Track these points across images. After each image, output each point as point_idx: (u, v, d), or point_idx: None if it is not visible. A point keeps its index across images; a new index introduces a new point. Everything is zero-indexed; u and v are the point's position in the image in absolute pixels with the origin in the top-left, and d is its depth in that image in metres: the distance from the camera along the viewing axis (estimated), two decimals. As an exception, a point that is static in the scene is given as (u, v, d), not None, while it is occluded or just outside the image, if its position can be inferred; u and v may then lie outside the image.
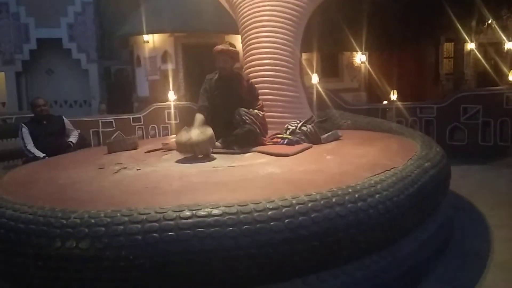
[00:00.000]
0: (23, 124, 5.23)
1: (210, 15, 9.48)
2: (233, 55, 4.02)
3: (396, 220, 2.47)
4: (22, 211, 2.26)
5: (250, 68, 4.99)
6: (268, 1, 5.05)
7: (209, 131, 3.57)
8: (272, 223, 2.07)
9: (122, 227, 2.03)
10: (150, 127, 7.42)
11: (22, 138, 5.12)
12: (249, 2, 5.17)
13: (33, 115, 5.44)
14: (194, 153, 3.48)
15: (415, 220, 2.75)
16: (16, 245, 2.16)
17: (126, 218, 2.06)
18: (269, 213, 2.10)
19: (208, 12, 9.47)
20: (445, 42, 14.60)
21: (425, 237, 2.83)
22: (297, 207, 2.16)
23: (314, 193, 2.28)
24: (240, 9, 5.28)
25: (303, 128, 4.19)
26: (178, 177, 2.91)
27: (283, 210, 2.13)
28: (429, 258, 2.85)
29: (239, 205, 2.12)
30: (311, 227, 2.12)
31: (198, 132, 3.53)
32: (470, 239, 3.44)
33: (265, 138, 4.02)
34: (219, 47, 3.97)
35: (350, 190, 2.37)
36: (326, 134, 4.23)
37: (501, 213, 3.96)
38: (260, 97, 4.26)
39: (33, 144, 5.09)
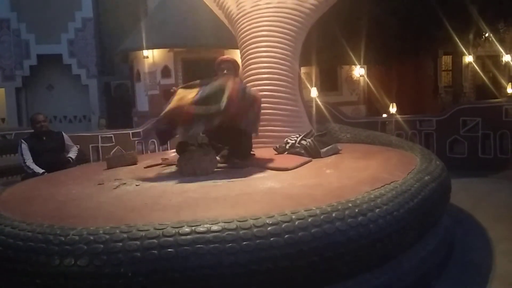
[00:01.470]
0: (22, 140, 5.21)
1: (209, 30, 9.56)
2: (235, 65, 4.15)
3: (397, 234, 2.46)
4: (21, 228, 2.25)
5: (249, 82, 5.00)
6: (266, 17, 5.10)
7: (211, 151, 3.58)
8: (272, 239, 2.07)
9: (121, 244, 2.02)
10: (149, 142, 7.40)
11: (22, 154, 5.10)
12: (248, 17, 5.21)
13: (32, 131, 5.43)
14: (195, 173, 3.47)
15: (416, 234, 2.74)
16: (14, 263, 2.14)
17: (125, 235, 2.05)
18: (269, 228, 2.10)
19: (207, 27, 9.54)
20: (443, 55, 14.65)
21: (426, 251, 2.82)
22: (296, 222, 2.15)
23: (314, 208, 2.27)
24: (239, 24, 5.32)
25: (303, 142, 4.19)
26: (178, 193, 2.90)
27: (283, 225, 2.12)
28: (430, 272, 2.83)
29: (239, 221, 2.11)
30: (311, 242, 2.11)
31: (199, 153, 3.54)
32: (471, 252, 3.42)
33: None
34: (224, 56, 4.24)
35: (350, 204, 2.37)
36: (326, 148, 4.21)
37: (502, 226, 3.94)
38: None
39: (32, 160, 5.07)
